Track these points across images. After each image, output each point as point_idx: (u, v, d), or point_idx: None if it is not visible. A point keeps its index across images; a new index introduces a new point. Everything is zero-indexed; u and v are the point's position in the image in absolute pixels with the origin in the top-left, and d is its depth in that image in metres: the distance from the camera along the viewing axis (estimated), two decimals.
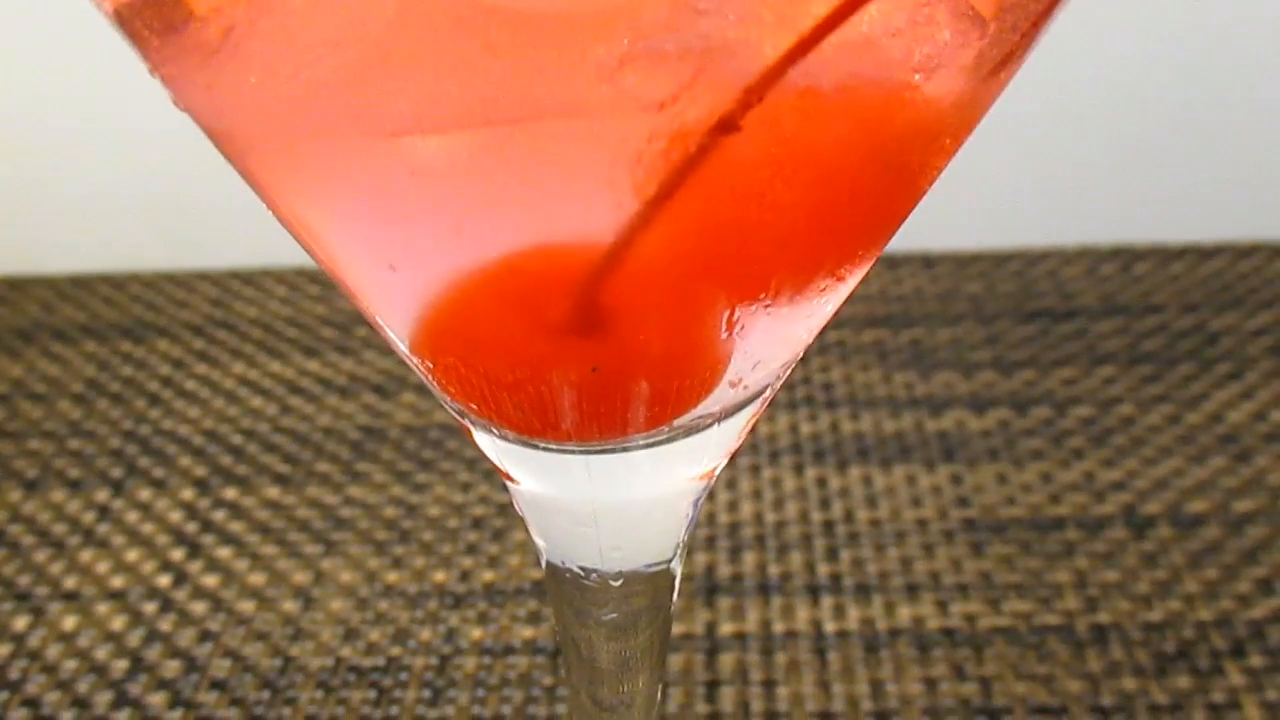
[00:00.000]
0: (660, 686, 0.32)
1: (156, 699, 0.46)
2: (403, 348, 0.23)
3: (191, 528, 0.54)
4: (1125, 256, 0.70)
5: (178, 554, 0.53)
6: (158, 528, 0.54)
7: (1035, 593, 0.49)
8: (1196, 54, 0.68)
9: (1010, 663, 0.47)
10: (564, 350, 0.21)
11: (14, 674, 0.47)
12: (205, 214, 0.73)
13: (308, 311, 0.69)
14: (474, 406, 0.23)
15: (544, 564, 0.28)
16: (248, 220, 0.73)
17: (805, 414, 0.59)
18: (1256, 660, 0.46)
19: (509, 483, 0.25)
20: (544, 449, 0.23)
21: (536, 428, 0.23)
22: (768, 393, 0.24)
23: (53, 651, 0.48)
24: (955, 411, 0.59)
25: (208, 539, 0.53)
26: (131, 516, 0.55)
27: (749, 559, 0.51)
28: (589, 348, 0.21)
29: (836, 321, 0.66)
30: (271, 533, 0.54)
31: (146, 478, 0.57)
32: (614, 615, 0.29)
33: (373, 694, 0.46)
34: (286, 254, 0.72)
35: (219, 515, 0.55)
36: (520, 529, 0.53)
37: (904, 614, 0.49)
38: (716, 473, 0.26)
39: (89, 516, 0.55)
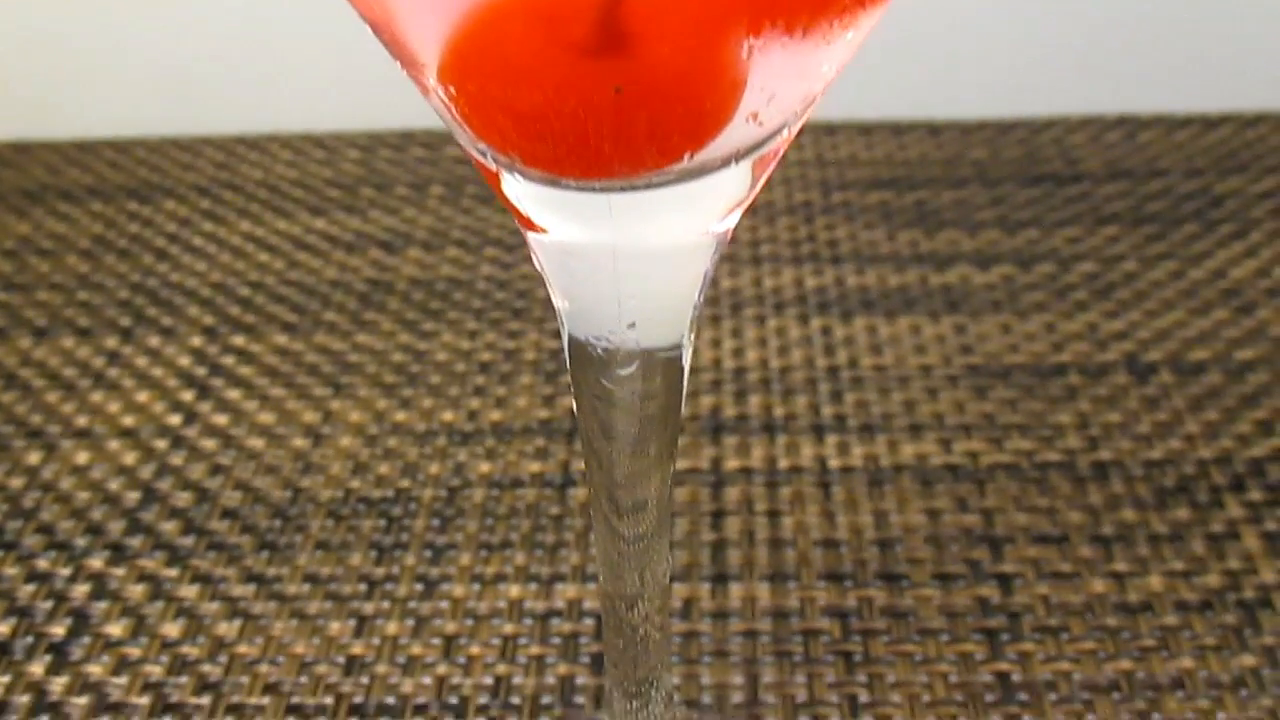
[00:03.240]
0: (670, 494, 0.32)
1: (169, 526, 0.47)
2: (431, 80, 0.23)
3: (201, 371, 0.55)
4: (1130, 125, 0.70)
5: (188, 395, 0.53)
6: (167, 371, 0.55)
7: (1037, 432, 0.50)
8: None
9: (1012, 496, 0.47)
10: (587, 70, 0.21)
11: (28, 503, 0.48)
12: (210, 81, 0.73)
13: (313, 174, 0.69)
14: (498, 141, 0.23)
15: (566, 344, 0.28)
16: (253, 87, 0.73)
17: (810, 269, 0.60)
18: (1256, 495, 0.47)
19: (534, 235, 0.26)
20: (567, 187, 0.24)
21: (560, 161, 0.23)
22: (785, 134, 0.24)
23: (66, 483, 0.49)
24: (959, 267, 0.60)
25: (217, 382, 0.54)
26: (141, 361, 0.55)
27: (754, 401, 0.52)
28: (611, 67, 0.21)
29: (841, 183, 0.66)
30: (280, 376, 0.54)
31: (155, 326, 0.57)
32: (631, 420, 0.29)
33: (383, 523, 0.47)
34: (292, 120, 0.72)
35: (228, 360, 0.55)
36: (527, 373, 0.54)
37: (907, 451, 0.49)
38: (729, 234, 0.27)
39: (99, 361, 0.55)
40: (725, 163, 0.24)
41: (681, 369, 0.29)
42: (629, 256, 0.25)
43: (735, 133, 0.23)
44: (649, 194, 0.24)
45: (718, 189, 0.24)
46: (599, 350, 0.27)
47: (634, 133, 0.22)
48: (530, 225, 0.25)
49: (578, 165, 0.23)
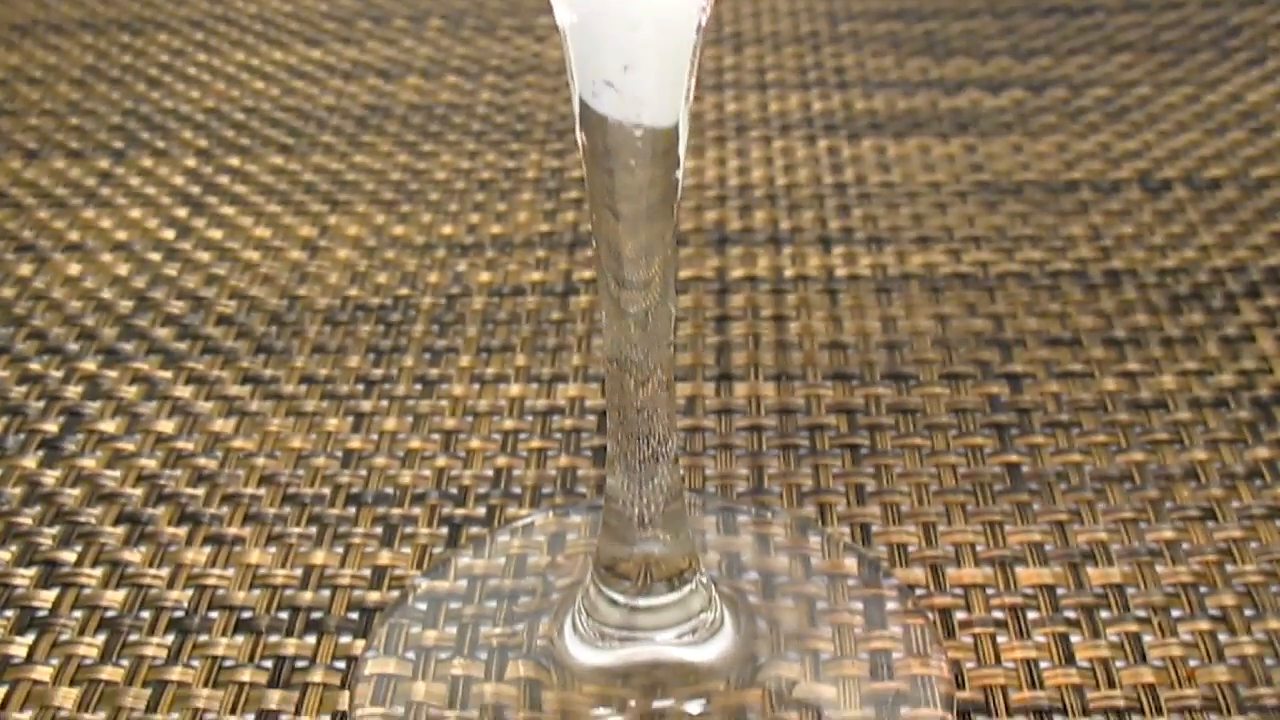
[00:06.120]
0: (674, 271, 0.32)
1: (164, 332, 0.46)
2: None
3: (195, 189, 0.53)
4: None
5: (182, 212, 0.52)
6: (160, 190, 0.54)
7: (1049, 243, 0.49)
8: None
9: (1023, 302, 0.46)
10: None
11: (20, 310, 0.47)
12: None
13: (309, 8, 0.67)
14: None
15: (576, 113, 0.27)
16: None
17: (817, 94, 0.58)
18: (1271, 300, 0.46)
19: None
20: None
21: None
22: None
23: (59, 292, 0.48)
24: (970, 92, 0.58)
25: (212, 199, 0.53)
26: (134, 180, 0.54)
27: (759, 215, 0.51)
28: None
29: (848, 14, 0.64)
30: (276, 194, 0.53)
31: (148, 148, 0.56)
32: (635, 187, 0.29)
33: (381, 328, 0.46)
34: None
35: (223, 179, 0.54)
36: (528, 190, 0.53)
37: (916, 261, 0.48)
38: None
39: (91, 181, 0.54)
40: None
41: (677, 158, 0.28)
42: None
43: None
44: None
45: None
46: (609, 152, 0.26)
47: None
48: None
49: None
